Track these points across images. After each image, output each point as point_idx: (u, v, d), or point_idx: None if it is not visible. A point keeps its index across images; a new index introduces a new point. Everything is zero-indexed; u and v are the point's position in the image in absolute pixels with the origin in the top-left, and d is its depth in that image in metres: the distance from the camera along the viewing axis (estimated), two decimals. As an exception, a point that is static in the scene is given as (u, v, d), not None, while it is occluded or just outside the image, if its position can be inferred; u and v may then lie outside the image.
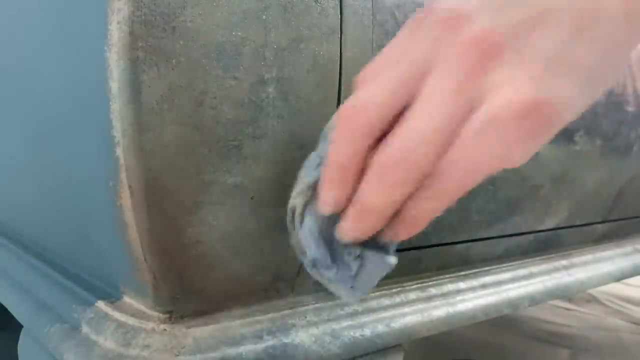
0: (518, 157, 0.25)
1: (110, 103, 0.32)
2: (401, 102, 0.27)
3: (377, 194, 0.28)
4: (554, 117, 0.24)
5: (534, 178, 0.59)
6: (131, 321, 0.39)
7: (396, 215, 0.29)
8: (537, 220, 0.65)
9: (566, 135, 0.60)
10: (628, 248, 0.84)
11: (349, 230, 0.31)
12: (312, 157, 0.33)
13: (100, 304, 0.42)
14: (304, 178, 0.33)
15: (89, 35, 0.33)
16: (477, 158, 0.25)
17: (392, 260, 0.32)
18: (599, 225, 0.78)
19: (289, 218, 0.35)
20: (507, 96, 0.24)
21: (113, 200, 0.35)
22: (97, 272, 0.46)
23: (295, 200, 0.33)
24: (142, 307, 0.40)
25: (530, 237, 0.67)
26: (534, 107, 0.24)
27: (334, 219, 0.31)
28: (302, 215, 0.33)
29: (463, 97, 0.25)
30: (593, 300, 1.69)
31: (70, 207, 0.44)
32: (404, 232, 0.30)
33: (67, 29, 0.35)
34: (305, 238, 0.33)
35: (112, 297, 0.43)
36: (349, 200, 0.30)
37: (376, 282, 0.33)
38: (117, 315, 0.40)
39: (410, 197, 0.28)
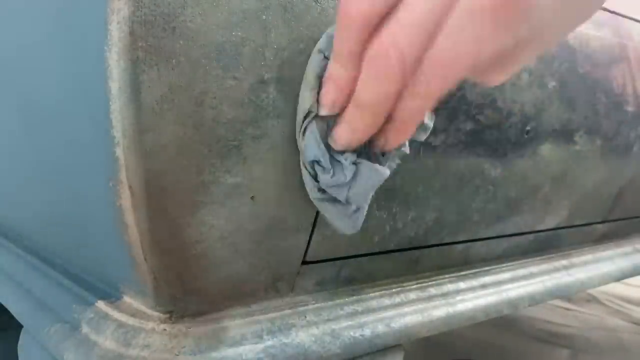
0: (488, 50, 0.26)
1: (110, 103, 0.32)
2: None
3: (368, 87, 0.29)
4: (525, 12, 0.25)
5: (534, 178, 0.59)
6: (131, 321, 0.39)
7: (386, 120, 0.31)
8: (537, 220, 0.65)
9: (566, 135, 0.60)
10: (628, 248, 0.84)
11: (342, 132, 0.32)
12: (315, 57, 0.34)
13: (101, 304, 0.42)
14: (308, 78, 0.34)
15: (89, 35, 0.33)
16: (455, 50, 0.26)
17: (385, 170, 0.35)
18: (599, 225, 0.78)
19: (297, 127, 0.36)
20: None
21: (113, 201, 0.35)
22: (97, 272, 0.46)
23: (302, 104, 0.34)
24: (143, 307, 0.40)
25: (530, 237, 0.67)
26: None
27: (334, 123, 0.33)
28: (306, 119, 0.34)
29: None
30: (593, 300, 1.69)
31: (70, 207, 0.44)
32: (394, 137, 0.32)
33: (67, 29, 0.35)
34: (308, 141, 0.34)
35: (112, 297, 0.43)
36: (346, 103, 0.31)
37: (369, 195, 0.36)
38: (117, 315, 0.40)
39: (399, 97, 0.29)
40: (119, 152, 0.32)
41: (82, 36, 0.34)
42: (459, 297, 0.55)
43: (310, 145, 0.34)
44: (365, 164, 0.34)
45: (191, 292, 0.38)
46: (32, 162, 0.48)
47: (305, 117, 0.34)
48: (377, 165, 0.34)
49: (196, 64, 0.32)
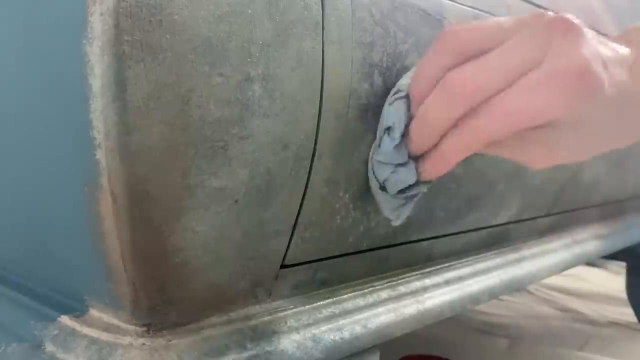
0: (558, 113, 0.30)
1: (91, 102, 0.29)
2: (490, 42, 0.31)
3: (435, 106, 0.33)
4: (599, 89, 0.29)
5: (491, 174, 0.61)
6: (104, 336, 0.36)
7: (432, 149, 0.35)
8: (492, 215, 0.66)
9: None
10: (568, 240, 0.88)
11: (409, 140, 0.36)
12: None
13: (65, 319, 0.39)
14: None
15: (63, 27, 0.30)
16: (526, 104, 0.29)
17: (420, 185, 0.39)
18: (544, 219, 0.81)
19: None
20: (570, 57, 0.29)
21: (88, 208, 0.32)
22: (56, 285, 0.42)
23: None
24: (115, 321, 0.37)
25: (484, 232, 0.69)
26: (588, 73, 0.28)
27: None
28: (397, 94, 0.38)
29: (534, 54, 0.30)
30: (522, 289, 1.77)
31: (29, 214, 0.40)
32: (432, 168, 0.36)
33: (36, 18, 0.32)
34: (396, 108, 0.38)
35: (77, 311, 0.39)
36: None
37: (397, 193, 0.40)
38: (86, 330, 0.37)
39: (454, 127, 0.33)
40: (100, 155, 0.30)
41: (54, 27, 0.31)
42: (426, 295, 0.55)
43: (394, 113, 0.37)
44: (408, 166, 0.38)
45: (171, 303, 0.36)
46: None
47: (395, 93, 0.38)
48: (407, 174, 0.38)
49: (183, 60, 0.30)
